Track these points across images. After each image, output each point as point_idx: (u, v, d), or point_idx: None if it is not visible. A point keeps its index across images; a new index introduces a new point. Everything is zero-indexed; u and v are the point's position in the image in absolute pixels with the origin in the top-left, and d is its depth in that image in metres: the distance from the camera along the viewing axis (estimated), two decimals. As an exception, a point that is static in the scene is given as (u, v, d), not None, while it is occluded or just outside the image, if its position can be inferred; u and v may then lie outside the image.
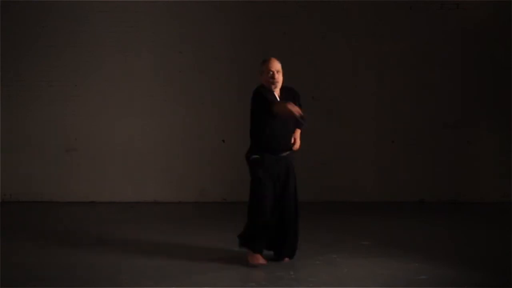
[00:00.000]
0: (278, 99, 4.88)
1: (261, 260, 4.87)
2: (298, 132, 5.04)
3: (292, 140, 4.98)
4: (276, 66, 4.91)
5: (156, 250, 5.43)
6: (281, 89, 4.97)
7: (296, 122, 4.80)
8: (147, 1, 8.19)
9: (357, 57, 8.15)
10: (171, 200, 8.22)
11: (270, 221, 4.87)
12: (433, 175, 8.11)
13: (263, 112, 4.81)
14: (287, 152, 4.96)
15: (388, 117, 8.18)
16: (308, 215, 6.93)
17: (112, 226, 6.66)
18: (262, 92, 4.85)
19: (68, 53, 8.27)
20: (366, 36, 8.10)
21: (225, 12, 8.16)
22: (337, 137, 8.16)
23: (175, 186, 8.28)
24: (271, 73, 4.86)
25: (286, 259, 4.99)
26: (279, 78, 4.90)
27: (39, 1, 8.22)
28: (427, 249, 5.39)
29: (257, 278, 4.48)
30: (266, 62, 4.94)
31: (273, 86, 4.89)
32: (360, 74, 8.16)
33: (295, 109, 4.53)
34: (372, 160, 8.21)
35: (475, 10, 8.02)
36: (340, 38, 8.14)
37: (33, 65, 8.28)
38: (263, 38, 8.10)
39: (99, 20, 8.22)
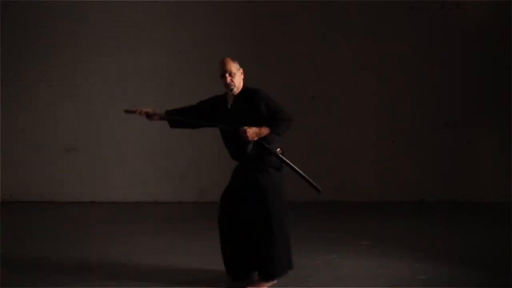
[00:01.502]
0: (230, 106, 4.43)
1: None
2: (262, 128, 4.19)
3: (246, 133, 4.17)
4: (230, 67, 4.31)
5: (156, 250, 5.44)
6: (240, 93, 4.39)
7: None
8: (147, 1, 8.19)
9: (357, 57, 8.14)
10: (171, 200, 8.22)
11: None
12: (433, 175, 8.11)
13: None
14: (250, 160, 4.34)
15: (388, 117, 8.17)
16: (308, 215, 6.97)
17: (112, 226, 6.66)
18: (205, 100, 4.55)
19: (68, 53, 8.28)
20: (366, 36, 8.10)
21: (225, 12, 8.16)
22: (337, 137, 8.16)
23: (175, 186, 8.28)
24: (223, 76, 4.33)
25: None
26: (235, 81, 4.34)
27: (39, 1, 8.23)
28: (427, 249, 5.39)
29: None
30: (219, 64, 4.35)
31: (229, 91, 4.37)
32: (360, 74, 8.16)
33: None
34: (372, 160, 8.20)
35: (475, 10, 8.02)
36: (340, 38, 8.14)
37: (33, 65, 8.29)
38: (263, 38, 8.10)
39: (99, 20, 8.23)
